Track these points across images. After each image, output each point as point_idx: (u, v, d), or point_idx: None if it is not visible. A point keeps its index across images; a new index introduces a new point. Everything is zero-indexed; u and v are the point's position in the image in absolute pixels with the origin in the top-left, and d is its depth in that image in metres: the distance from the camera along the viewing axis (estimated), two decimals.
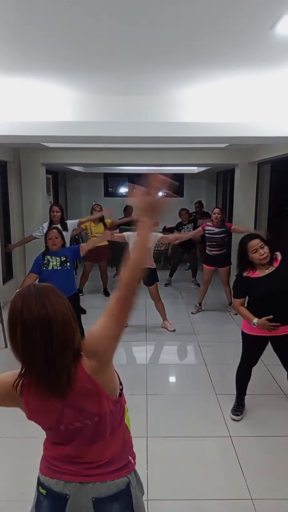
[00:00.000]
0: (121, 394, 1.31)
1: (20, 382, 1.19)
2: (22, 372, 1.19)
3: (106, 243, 6.15)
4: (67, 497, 1.25)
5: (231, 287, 3.37)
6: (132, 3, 1.84)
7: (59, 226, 4.80)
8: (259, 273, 2.72)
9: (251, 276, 2.73)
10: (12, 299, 1.15)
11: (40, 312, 1.11)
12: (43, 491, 1.29)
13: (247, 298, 2.87)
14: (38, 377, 1.16)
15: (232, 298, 2.90)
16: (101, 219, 6.01)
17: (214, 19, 2.02)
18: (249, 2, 1.84)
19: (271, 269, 2.72)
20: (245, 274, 2.76)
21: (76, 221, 5.45)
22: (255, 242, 2.70)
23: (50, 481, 1.28)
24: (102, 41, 2.30)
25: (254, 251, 2.68)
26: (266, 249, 2.69)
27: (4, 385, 1.22)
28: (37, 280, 3.71)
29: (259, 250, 2.67)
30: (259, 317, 2.67)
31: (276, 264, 2.73)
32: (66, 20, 2.02)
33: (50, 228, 3.94)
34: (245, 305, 2.85)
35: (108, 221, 6.11)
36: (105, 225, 6.04)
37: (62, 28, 2.13)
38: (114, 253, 7.92)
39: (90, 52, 2.49)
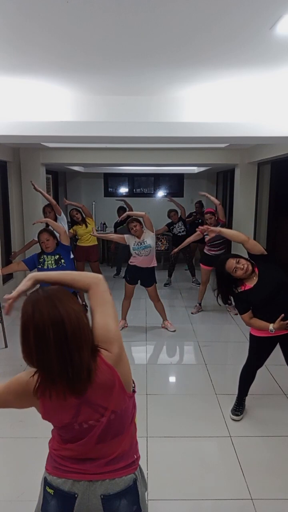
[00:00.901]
0: (134, 391, 1.32)
1: (37, 383, 1.18)
2: (37, 374, 1.19)
3: (95, 243, 6.16)
4: (76, 496, 1.26)
5: (234, 306, 3.33)
6: (132, 3, 1.84)
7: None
8: (250, 284, 2.69)
9: (246, 289, 2.70)
10: (23, 306, 1.15)
11: (51, 313, 1.12)
12: (51, 491, 1.29)
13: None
14: (54, 378, 1.15)
15: (239, 315, 2.86)
16: (83, 220, 6.00)
17: (214, 19, 2.02)
18: (249, 2, 1.84)
19: (256, 276, 2.70)
20: (238, 290, 2.73)
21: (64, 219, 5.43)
22: (231, 263, 2.65)
23: (58, 481, 1.28)
24: (102, 41, 2.30)
25: (235, 270, 2.63)
26: (242, 261, 2.65)
27: (21, 385, 1.22)
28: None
29: (238, 267, 2.63)
30: (267, 321, 2.66)
31: (257, 271, 2.72)
32: (66, 19, 2.02)
33: (40, 230, 3.89)
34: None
35: (89, 220, 6.09)
36: (85, 225, 6.00)
37: (62, 28, 2.13)
38: (116, 253, 7.97)
39: (90, 52, 2.49)
